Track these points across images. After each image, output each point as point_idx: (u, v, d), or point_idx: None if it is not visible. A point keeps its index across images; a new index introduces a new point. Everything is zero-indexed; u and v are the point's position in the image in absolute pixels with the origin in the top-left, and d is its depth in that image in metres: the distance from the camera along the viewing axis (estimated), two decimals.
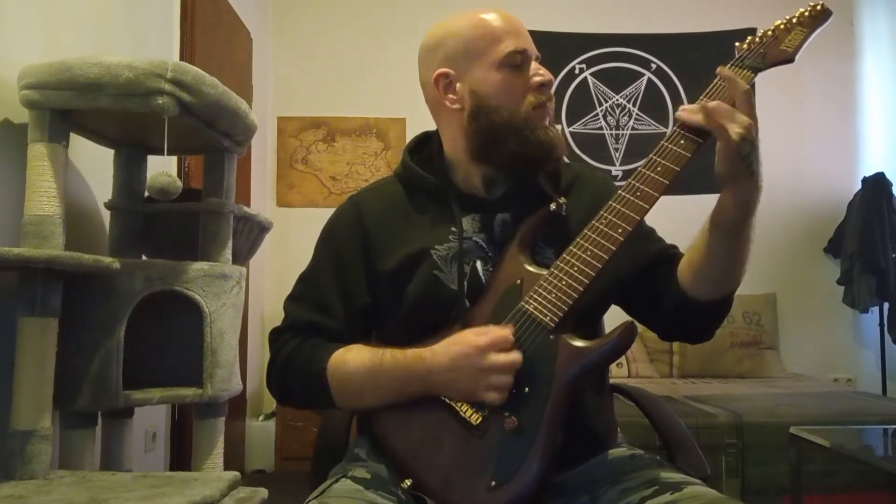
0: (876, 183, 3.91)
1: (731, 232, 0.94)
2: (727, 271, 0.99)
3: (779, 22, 1.01)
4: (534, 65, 1.07)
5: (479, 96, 1.07)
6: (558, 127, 4.08)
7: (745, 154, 0.89)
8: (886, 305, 3.86)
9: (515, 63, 1.05)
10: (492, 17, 1.08)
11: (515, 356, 0.92)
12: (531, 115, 1.05)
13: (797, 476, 2.03)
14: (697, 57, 4.11)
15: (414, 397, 0.98)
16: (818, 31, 1.00)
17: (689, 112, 0.93)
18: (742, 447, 2.45)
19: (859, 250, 3.83)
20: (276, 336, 1.11)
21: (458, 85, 1.09)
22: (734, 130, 0.88)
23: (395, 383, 0.99)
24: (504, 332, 0.93)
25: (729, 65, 0.97)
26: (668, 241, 1.16)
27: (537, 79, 1.06)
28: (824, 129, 4.25)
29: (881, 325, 3.89)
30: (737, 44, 1.00)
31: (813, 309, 4.15)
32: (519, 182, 1.09)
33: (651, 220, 1.03)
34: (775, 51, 0.98)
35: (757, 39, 1.00)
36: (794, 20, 1.00)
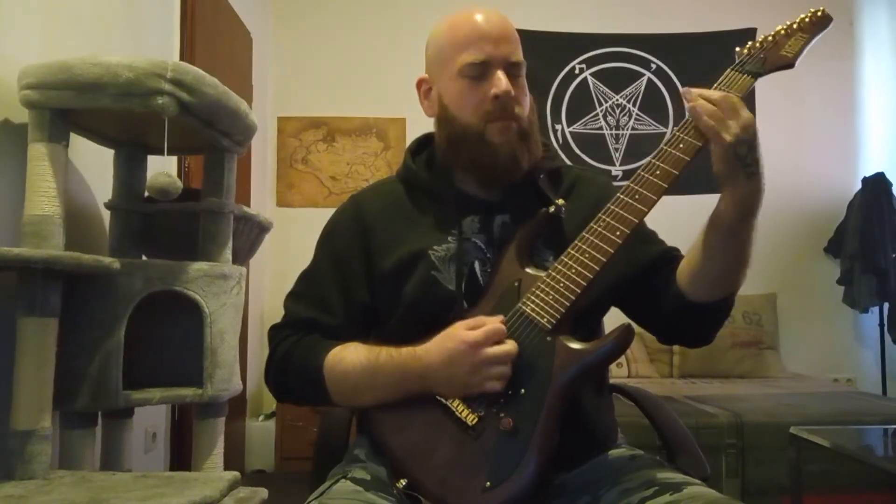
0: (876, 183, 3.92)
1: (729, 233, 0.94)
2: (725, 273, 0.99)
3: (779, 27, 1.01)
4: (498, 74, 1.04)
5: (443, 105, 1.09)
6: (557, 128, 4.11)
7: (742, 155, 0.88)
8: (886, 305, 3.86)
9: (472, 74, 1.04)
10: (464, 23, 1.06)
11: (510, 346, 0.92)
12: (485, 128, 1.04)
13: (797, 476, 2.03)
14: (697, 57, 4.11)
15: (411, 396, 0.98)
16: (819, 36, 1.00)
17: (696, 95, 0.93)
18: (742, 447, 2.45)
19: (859, 250, 3.83)
20: (274, 332, 1.12)
21: (433, 91, 1.12)
22: (727, 131, 0.88)
23: (391, 382, 0.99)
24: (496, 324, 0.93)
25: (729, 69, 0.97)
26: (666, 240, 1.15)
27: (493, 90, 1.03)
28: (824, 129, 4.25)
29: (881, 325, 3.89)
30: (737, 49, 1.00)
31: (813, 309, 4.15)
32: (518, 184, 1.09)
33: (650, 220, 1.03)
34: (775, 56, 0.98)
35: (757, 44, 0.99)
36: (795, 25, 1.00)
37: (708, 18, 4.18)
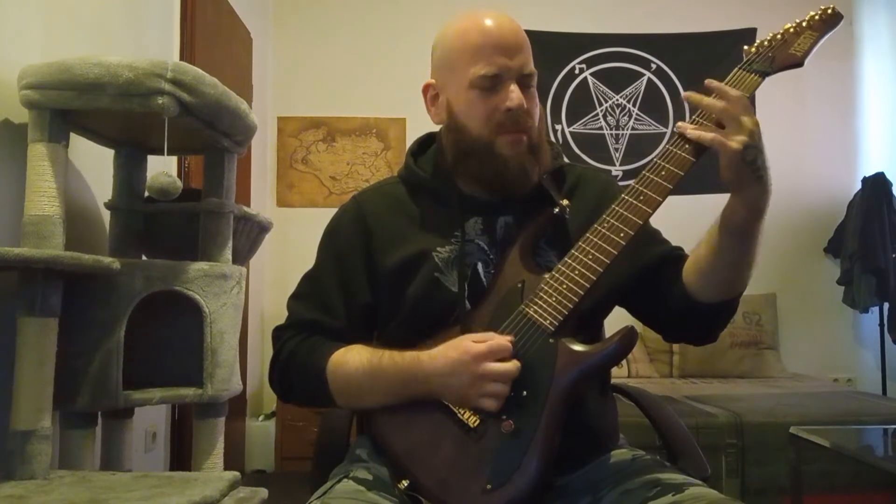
0: (876, 183, 3.92)
1: (739, 234, 0.94)
2: (734, 274, 0.99)
3: (788, 25, 1.00)
4: (511, 87, 1.02)
5: (452, 113, 1.08)
6: (557, 128, 4.12)
7: (751, 160, 0.88)
8: (886, 305, 3.86)
9: (484, 86, 1.03)
10: (476, 32, 1.04)
11: (513, 366, 0.91)
12: (495, 141, 1.03)
13: (797, 476, 2.03)
14: (697, 57, 4.12)
15: (412, 399, 0.98)
16: (828, 35, 0.99)
17: (691, 128, 0.93)
18: (742, 447, 2.45)
19: (859, 250, 3.83)
20: (278, 334, 1.12)
21: (440, 97, 1.10)
22: (734, 139, 0.87)
23: (393, 386, 0.99)
24: (503, 341, 0.93)
25: (737, 68, 0.97)
26: (671, 240, 1.15)
27: (506, 104, 1.02)
28: (824, 129, 4.25)
29: (881, 325, 3.89)
30: (745, 47, 0.99)
31: (813, 309, 4.15)
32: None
33: (653, 219, 1.03)
34: (784, 54, 0.97)
35: (766, 43, 0.99)
36: (805, 24, 0.99)
37: (708, 18, 4.18)
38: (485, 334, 0.95)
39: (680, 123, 0.94)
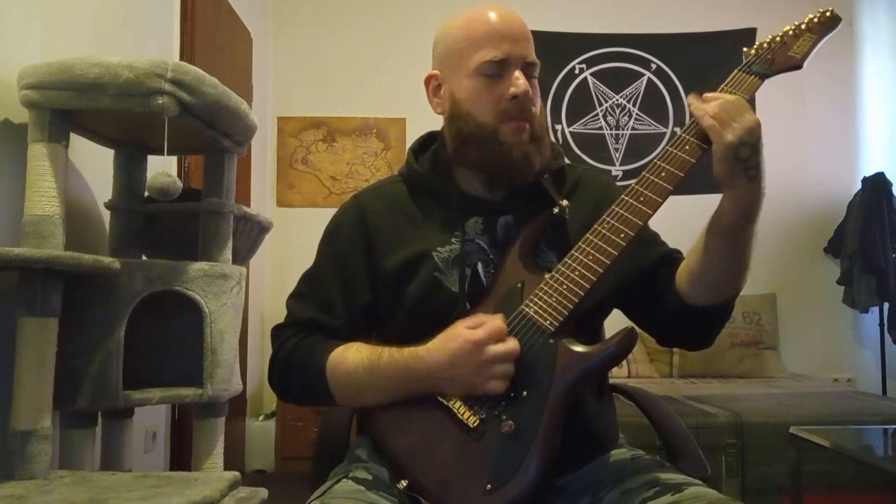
0: (876, 183, 3.92)
1: (729, 237, 0.94)
2: (725, 277, 0.98)
3: (787, 27, 1.00)
4: (516, 74, 1.03)
5: (455, 101, 1.07)
6: (557, 128, 4.11)
7: (744, 157, 0.88)
8: (886, 305, 3.86)
9: (490, 73, 1.03)
10: (481, 21, 1.05)
11: (513, 344, 0.92)
12: (499, 128, 1.03)
13: (797, 476, 2.03)
14: (697, 57, 4.12)
15: (413, 396, 0.98)
16: (827, 37, 0.99)
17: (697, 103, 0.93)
18: (742, 447, 2.45)
19: (859, 250, 3.83)
20: (277, 333, 1.11)
21: (443, 88, 1.10)
22: (730, 132, 0.87)
23: (393, 383, 0.98)
24: (497, 322, 0.93)
25: (736, 70, 0.97)
26: (668, 240, 1.15)
27: (511, 90, 1.02)
28: (824, 129, 4.25)
29: (881, 325, 3.89)
30: (744, 49, 0.99)
31: (813, 309, 4.15)
32: (522, 184, 1.09)
33: (653, 219, 1.03)
34: (783, 57, 0.98)
35: (765, 45, 0.99)
36: (804, 26, 1.00)
37: (708, 18, 4.18)
38: (476, 318, 0.94)
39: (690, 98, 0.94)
